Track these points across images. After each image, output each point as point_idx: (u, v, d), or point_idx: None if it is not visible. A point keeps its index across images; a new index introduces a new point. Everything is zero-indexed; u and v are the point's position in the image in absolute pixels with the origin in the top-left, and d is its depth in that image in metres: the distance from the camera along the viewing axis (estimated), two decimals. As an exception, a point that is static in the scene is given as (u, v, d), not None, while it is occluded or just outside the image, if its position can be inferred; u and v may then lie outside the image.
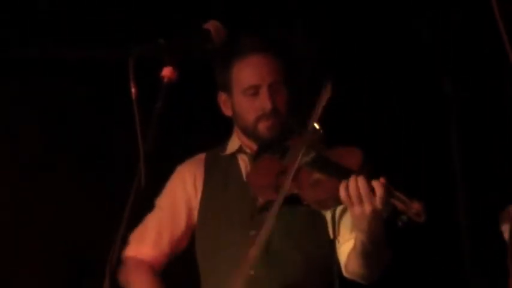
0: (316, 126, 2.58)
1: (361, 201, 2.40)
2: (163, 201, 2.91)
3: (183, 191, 2.88)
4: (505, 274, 1.88)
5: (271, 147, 2.73)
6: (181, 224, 2.88)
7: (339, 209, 2.69)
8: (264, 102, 2.74)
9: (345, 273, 2.71)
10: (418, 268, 3.81)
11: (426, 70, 3.84)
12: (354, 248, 2.59)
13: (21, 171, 3.75)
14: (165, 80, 2.04)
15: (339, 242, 2.72)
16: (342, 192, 2.42)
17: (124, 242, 1.97)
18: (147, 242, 2.87)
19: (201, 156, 2.94)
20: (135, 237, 2.86)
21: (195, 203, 2.87)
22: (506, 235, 2.33)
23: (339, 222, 2.72)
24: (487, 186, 3.69)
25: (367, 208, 2.39)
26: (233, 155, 2.88)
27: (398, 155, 3.79)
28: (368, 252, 2.54)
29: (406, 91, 3.86)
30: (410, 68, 3.84)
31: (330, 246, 2.72)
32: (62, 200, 3.75)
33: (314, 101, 2.59)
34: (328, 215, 2.73)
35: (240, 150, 2.87)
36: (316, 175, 2.56)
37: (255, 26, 3.59)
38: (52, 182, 3.75)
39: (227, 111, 2.86)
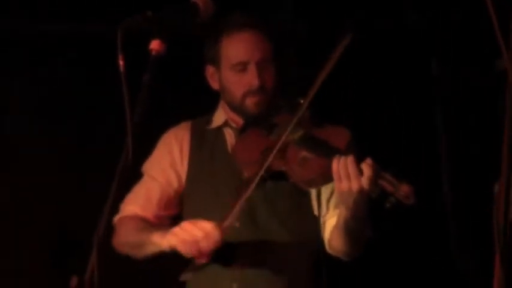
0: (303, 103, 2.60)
1: (349, 179, 2.41)
2: (150, 168, 2.91)
3: (170, 158, 2.88)
4: (491, 251, 1.88)
5: (258, 122, 2.74)
6: (170, 189, 2.87)
7: (324, 186, 2.70)
8: (251, 78, 2.75)
9: (328, 250, 2.74)
10: (404, 248, 3.84)
11: (414, 51, 3.85)
12: (337, 224, 2.62)
13: (8, 147, 3.75)
14: (153, 52, 2.04)
15: (323, 218, 2.74)
16: (334, 167, 2.43)
17: (111, 215, 1.96)
18: (136, 205, 2.86)
19: (187, 124, 2.94)
20: (123, 204, 2.87)
21: (182, 169, 2.87)
22: None
23: (324, 199, 2.75)
24: (473, 165, 3.71)
25: (354, 186, 2.41)
26: (219, 129, 2.88)
27: (385, 136, 3.81)
28: (350, 229, 2.57)
29: (394, 72, 3.87)
30: (398, 49, 3.86)
31: (315, 223, 2.75)
32: (50, 174, 3.75)
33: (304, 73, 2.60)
34: (313, 191, 2.75)
35: (226, 124, 2.88)
36: (304, 153, 2.57)
37: (244, 3, 3.60)
38: (38, 155, 3.76)
39: (214, 85, 2.86)
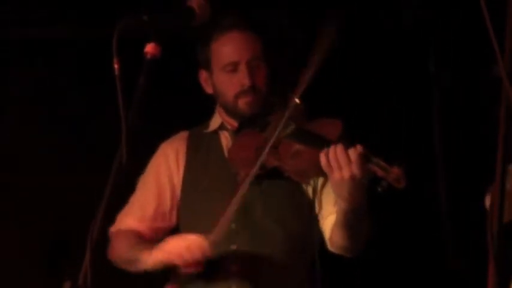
0: (297, 100, 2.60)
1: (339, 167, 2.40)
2: (147, 178, 2.91)
3: (166, 168, 2.88)
4: (485, 255, 1.88)
5: (252, 123, 2.74)
6: (166, 201, 2.88)
7: (320, 184, 2.70)
8: (242, 78, 2.75)
9: (329, 247, 2.72)
10: (399, 249, 3.83)
11: (412, 51, 3.85)
12: (337, 219, 2.59)
13: (3, 146, 3.74)
14: (148, 56, 2.03)
15: (322, 217, 2.73)
16: (322, 159, 2.43)
17: (105, 218, 1.96)
18: (132, 217, 2.87)
19: (184, 133, 2.94)
20: (120, 215, 2.89)
21: (178, 179, 2.87)
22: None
23: (321, 198, 2.74)
24: (469, 166, 3.71)
25: (346, 173, 2.39)
26: (215, 132, 2.89)
27: (382, 136, 3.80)
28: (350, 221, 2.54)
29: (391, 72, 3.87)
30: (396, 49, 3.85)
31: (311, 222, 2.74)
32: (44, 176, 3.74)
33: (299, 74, 2.61)
34: (309, 190, 2.74)
35: (221, 127, 2.88)
36: (296, 146, 2.57)
37: (238, 4, 3.59)
38: (35, 156, 3.75)
39: (208, 89, 2.87)
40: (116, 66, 1.97)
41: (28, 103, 3.78)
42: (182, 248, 2.56)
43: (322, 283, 2.74)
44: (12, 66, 3.76)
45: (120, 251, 2.80)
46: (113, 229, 2.87)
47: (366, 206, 2.53)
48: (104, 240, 2.59)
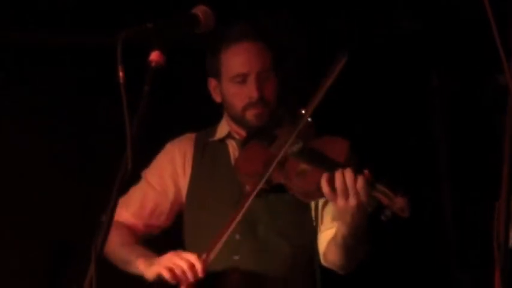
0: (309, 119, 2.59)
1: (345, 194, 2.39)
2: (150, 175, 2.90)
3: (171, 168, 2.88)
4: (491, 266, 1.87)
5: (260, 134, 2.73)
6: (166, 200, 2.87)
7: (322, 199, 2.69)
8: (251, 90, 2.74)
9: (323, 262, 2.72)
10: (402, 260, 3.83)
11: (414, 62, 3.85)
12: (334, 238, 2.59)
13: (3, 154, 3.74)
14: (153, 64, 2.03)
15: (319, 230, 2.73)
16: (324, 185, 2.42)
17: (110, 227, 1.95)
18: (128, 210, 2.86)
19: (191, 136, 2.93)
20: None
21: (183, 182, 2.86)
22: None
23: (321, 211, 2.73)
24: (472, 179, 3.71)
25: (351, 201, 2.39)
26: (222, 141, 2.87)
27: (385, 147, 3.80)
28: (348, 244, 2.54)
29: (394, 83, 3.87)
30: (398, 60, 3.86)
31: (313, 236, 2.74)
32: (46, 184, 3.74)
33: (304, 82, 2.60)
34: (312, 205, 2.74)
35: (229, 136, 2.87)
36: (303, 165, 2.56)
37: (242, 14, 3.60)
38: (35, 165, 3.75)
39: (217, 98, 2.86)
40: (120, 74, 1.96)
41: (30, 110, 3.78)
42: (183, 267, 2.54)
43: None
44: (14, 73, 3.76)
45: (112, 247, 2.74)
46: None
47: (366, 230, 2.53)
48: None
